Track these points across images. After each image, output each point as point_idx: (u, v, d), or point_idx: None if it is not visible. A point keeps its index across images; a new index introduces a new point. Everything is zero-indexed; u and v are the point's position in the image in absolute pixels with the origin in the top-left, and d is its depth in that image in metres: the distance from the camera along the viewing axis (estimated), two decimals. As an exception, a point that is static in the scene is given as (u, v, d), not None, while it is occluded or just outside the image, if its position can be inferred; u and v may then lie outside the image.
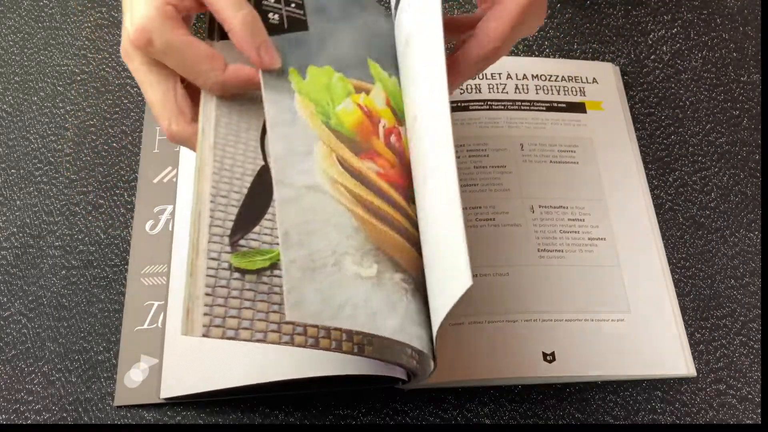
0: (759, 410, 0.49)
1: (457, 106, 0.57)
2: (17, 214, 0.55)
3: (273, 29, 0.45)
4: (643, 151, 0.58)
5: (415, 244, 0.42)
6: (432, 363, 0.41)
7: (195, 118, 0.42)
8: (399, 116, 0.46)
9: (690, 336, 0.51)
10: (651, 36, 0.64)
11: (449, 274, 0.36)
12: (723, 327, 0.52)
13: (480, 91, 0.58)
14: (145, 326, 0.50)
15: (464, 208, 0.52)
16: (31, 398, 0.49)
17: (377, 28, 0.50)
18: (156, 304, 0.50)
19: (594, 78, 0.60)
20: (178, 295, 0.49)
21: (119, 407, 0.48)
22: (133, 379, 0.49)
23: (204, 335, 0.36)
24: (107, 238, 0.54)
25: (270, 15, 0.46)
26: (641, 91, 0.61)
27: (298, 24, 0.46)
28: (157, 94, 0.41)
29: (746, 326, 0.52)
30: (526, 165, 0.54)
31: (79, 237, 0.54)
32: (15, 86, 0.61)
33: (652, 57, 0.63)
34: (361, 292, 0.38)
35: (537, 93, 0.58)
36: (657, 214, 0.55)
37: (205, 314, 0.37)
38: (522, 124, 0.56)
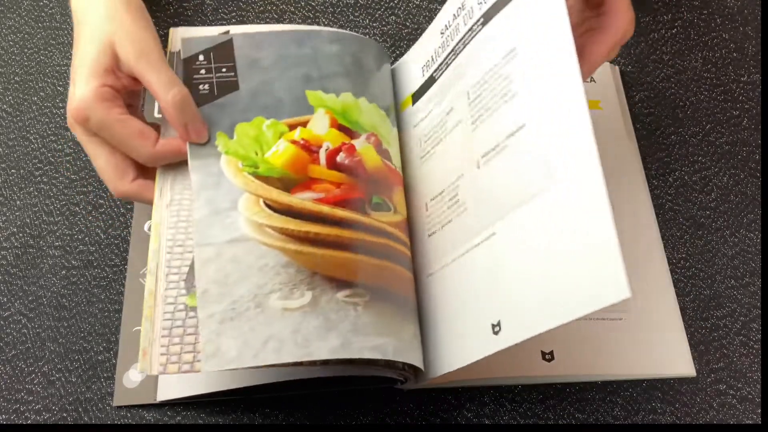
0: (759, 410, 0.49)
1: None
2: (17, 214, 0.55)
3: (203, 99, 0.50)
4: (643, 151, 0.58)
5: (377, 252, 0.44)
6: (419, 366, 0.42)
7: (138, 176, 0.46)
8: (353, 130, 0.49)
9: (690, 336, 0.51)
10: (651, 36, 0.64)
11: (588, 278, 0.36)
12: (723, 327, 0.52)
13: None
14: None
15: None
16: (31, 398, 0.49)
17: (320, 55, 0.53)
18: (156, 304, 0.50)
19: (591, 77, 0.60)
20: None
21: (119, 407, 0.48)
22: (131, 379, 0.49)
23: (161, 372, 0.40)
24: (107, 238, 0.54)
25: (200, 86, 0.50)
26: (641, 91, 0.61)
27: (228, 87, 0.51)
28: (100, 161, 0.46)
29: (746, 326, 0.52)
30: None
31: (79, 237, 0.54)
32: (15, 86, 0.61)
33: (652, 57, 0.63)
34: (288, 325, 0.41)
35: None
36: (657, 214, 0.55)
37: (162, 354, 0.40)
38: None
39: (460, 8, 0.50)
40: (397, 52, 0.62)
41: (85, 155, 0.57)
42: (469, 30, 0.49)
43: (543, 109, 0.41)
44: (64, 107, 0.60)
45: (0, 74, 0.61)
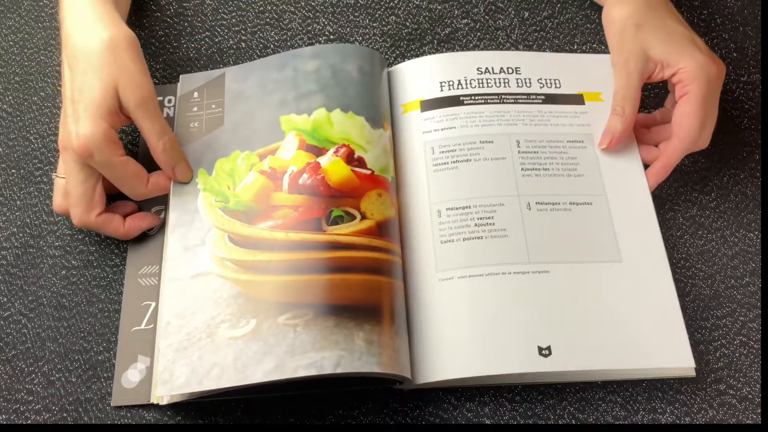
0: (759, 410, 0.49)
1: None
2: (17, 214, 0.55)
3: (192, 136, 0.54)
4: (643, 151, 0.58)
5: (330, 267, 0.47)
6: (374, 371, 0.44)
7: (103, 211, 0.50)
8: (321, 147, 0.52)
9: (690, 336, 0.51)
10: (651, 36, 0.64)
11: (655, 340, 0.48)
12: (723, 327, 0.52)
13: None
14: (143, 326, 0.50)
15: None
16: (31, 398, 0.49)
17: (299, 75, 0.55)
18: (153, 304, 0.50)
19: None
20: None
21: (119, 407, 0.48)
22: (130, 379, 0.49)
23: (168, 401, 0.47)
24: (107, 238, 0.54)
25: (191, 124, 0.54)
26: (641, 91, 0.61)
27: (215, 122, 0.54)
28: (80, 188, 0.49)
29: (746, 326, 0.52)
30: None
31: (79, 237, 0.54)
32: (15, 86, 0.61)
33: (652, 57, 0.63)
34: (231, 353, 0.45)
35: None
36: (657, 213, 0.55)
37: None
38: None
39: (512, 69, 0.58)
40: (397, 52, 0.62)
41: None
42: (526, 95, 0.57)
43: (613, 201, 0.52)
44: (64, 107, 0.60)
45: (0, 74, 0.62)
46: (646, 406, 0.49)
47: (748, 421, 0.49)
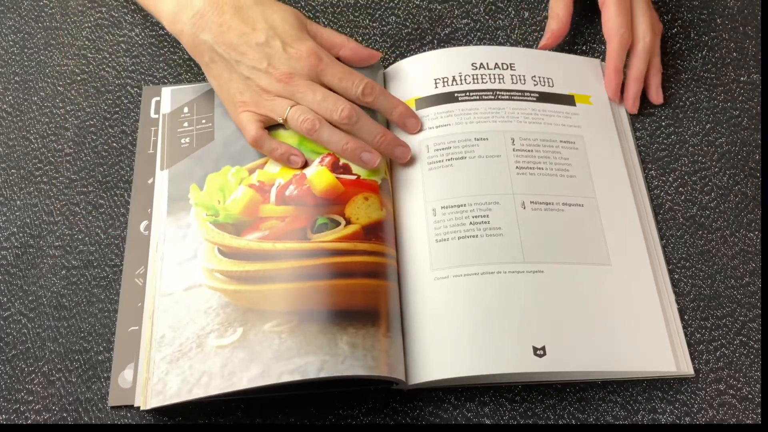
0: (759, 410, 0.49)
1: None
2: (17, 214, 0.55)
3: (183, 152, 0.54)
4: (643, 151, 0.58)
5: (315, 274, 0.47)
6: (361, 374, 0.44)
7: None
8: (307, 158, 0.52)
9: (690, 336, 0.51)
10: (651, 36, 0.64)
11: (640, 344, 0.48)
12: (723, 327, 0.52)
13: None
14: (139, 327, 0.50)
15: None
16: (31, 398, 0.49)
17: None
18: (153, 304, 0.50)
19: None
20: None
21: (117, 407, 0.48)
22: (127, 379, 0.49)
23: (154, 407, 0.46)
24: (107, 238, 0.54)
25: (182, 140, 0.55)
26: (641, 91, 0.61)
27: (205, 138, 0.55)
28: (328, 95, 0.52)
29: (746, 326, 0.52)
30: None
31: (79, 237, 0.54)
32: (15, 86, 0.61)
33: (652, 57, 0.63)
34: (218, 361, 0.45)
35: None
36: (657, 214, 0.55)
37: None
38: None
39: (507, 65, 0.58)
40: (397, 53, 0.62)
41: (85, 155, 0.57)
42: (520, 92, 0.57)
43: (603, 205, 0.52)
44: (64, 107, 0.60)
45: (0, 74, 0.62)
46: (646, 406, 0.49)
47: (748, 421, 0.49)
